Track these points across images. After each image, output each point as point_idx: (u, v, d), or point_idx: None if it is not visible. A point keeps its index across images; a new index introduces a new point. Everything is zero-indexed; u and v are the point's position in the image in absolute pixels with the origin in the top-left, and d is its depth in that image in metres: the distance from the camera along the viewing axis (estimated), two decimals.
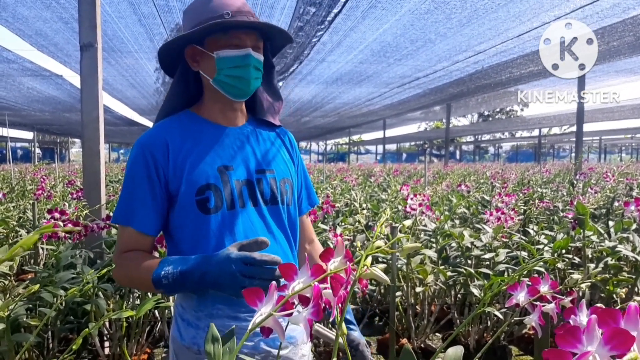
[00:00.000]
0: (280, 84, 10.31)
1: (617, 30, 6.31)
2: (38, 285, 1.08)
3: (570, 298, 0.97)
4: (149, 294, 2.17)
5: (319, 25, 6.03)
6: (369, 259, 0.75)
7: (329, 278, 0.69)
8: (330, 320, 0.70)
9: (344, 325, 0.71)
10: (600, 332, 0.43)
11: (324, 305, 0.67)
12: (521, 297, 1.00)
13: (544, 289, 0.99)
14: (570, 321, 0.73)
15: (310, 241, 1.37)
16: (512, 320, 1.72)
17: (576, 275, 1.07)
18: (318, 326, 1.20)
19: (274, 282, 0.67)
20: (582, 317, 0.75)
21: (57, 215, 2.19)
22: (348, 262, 0.72)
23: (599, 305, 0.91)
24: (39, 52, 7.64)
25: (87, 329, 0.98)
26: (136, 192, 1.12)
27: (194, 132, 1.16)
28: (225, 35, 1.12)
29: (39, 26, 6.36)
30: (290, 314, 0.66)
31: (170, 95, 1.23)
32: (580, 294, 2.69)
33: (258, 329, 1.14)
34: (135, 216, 1.11)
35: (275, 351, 1.12)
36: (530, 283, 1.00)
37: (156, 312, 2.35)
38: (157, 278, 1.02)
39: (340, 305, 0.70)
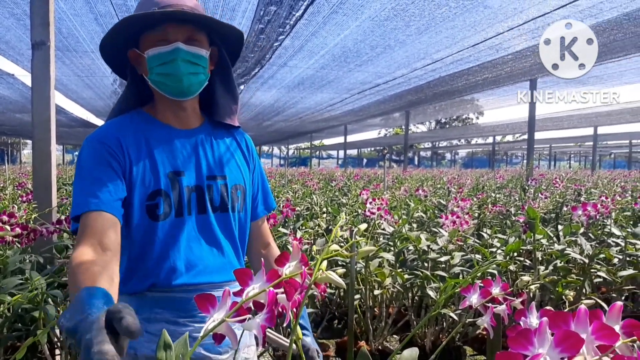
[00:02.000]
0: (242, 87, 10.23)
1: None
2: None
3: (520, 300, 1.01)
4: None
5: (281, 28, 6.04)
6: (325, 263, 0.76)
7: (283, 283, 0.69)
8: (285, 324, 0.70)
9: (299, 330, 0.72)
10: (551, 334, 0.44)
11: (280, 310, 0.68)
12: (474, 299, 1.03)
13: (495, 291, 1.02)
14: (521, 323, 0.75)
15: (265, 245, 1.34)
16: (466, 322, 1.76)
17: (526, 278, 1.12)
18: (269, 332, 1.19)
19: (227, 288, 0.66)
20: (533, 319, 0.77)
21: (5, 218, 2.10)
22: (303, 267, 0.73)
23: (548, 307, 0.96)
24: None
25: (32, 337, 0.95)
26: (91, 177, 1.02)
27: (144, 133, 1.12)
28: (154, 31, 1.07)
29: None
30: (244, 320, 0.66)
31: (123, 96, 1.19)
32: (531, 295, 2.79)
33: (196, 334, 1.13)
34: (93, 198, 0.98)
35: (214, 356, 1.10)
36: (483, 285, 1.04)
37: None
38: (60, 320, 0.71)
39: (294, 309, 0.71)
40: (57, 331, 2.21)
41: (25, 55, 7.41)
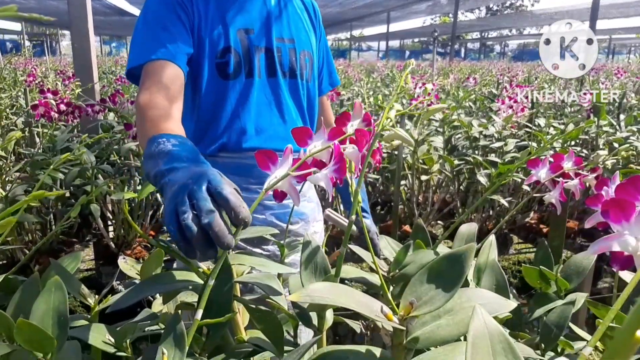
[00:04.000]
0: None
1: None
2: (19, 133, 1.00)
3: (595, 174, 0.91)
4: None
5: None
6: (393, 112, 0.66)
7: (353, 134, 0.61)
8: (355, 178, 0.63)
9: (360, 200, 0.64)
10: None
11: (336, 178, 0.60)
12: (542, 173, 0.94)
13: (567, 165, 0.92)
14: (602, 192, 0.67)
15: (329, 125, 1.28)
16: (519, 208, 1.69)
17: (602, 152, 1.00)
18: (329, 210, 1.15)
19: (290, 145, 0.59)
20: (615, 188, 0.69)
21: (49, 95, 2.08)
22: (368, 125, 0.64)
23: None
24: None
25: (84, 197, 0.92)
26: (159, 24, 0.95)
27: None
28: None
29: None
30: (309, 174, 0.59)
31: None
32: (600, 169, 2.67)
33: (268, 202, 1.10)
34: (161, 47, 0.92)
35: (284, 225, 1.08)
36: (552, 160, 0.94)
37: (158, 196, 2.33)
38: (151, 141, 0.72)
39: (360, 167, 0.63)
40: (110, 206, 2.28)
41: None
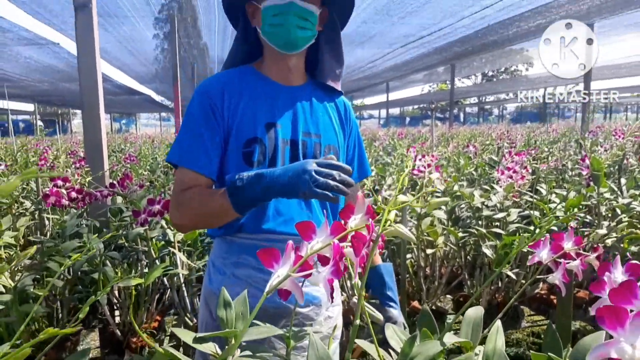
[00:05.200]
0: None
1: None
2: (35, 247, 1.03)
3: (596, 254, 0.93)
4: (157, 261, 2.14)
5: None
6: (392, 214, 0.69)
7: (349, 236, 0.63)
8: (353, 282, 0.65)
9: (363, 288, 0.66)
10: None
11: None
12: (544, 254, 0.95)
13: (567, 245, 0.94)
14: (605, 277, 0.68)
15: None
16: (529, 281, 1.68)
17: (601, 231, 1.02)
18: (367, 306, 1.15)
19: (291, 242, 0.62)
20: (617, 274, 0.70)
21: (60, 183, 2.14)
22: (370, 219, 0.67)
23: (634, 261, 0.86)
24: (35, 19, 7.46)
25: (93, 297, 0.94)
26: (194, 132, 1.11)
27: (249, 85, 1.17)
28: None
29: None
30: (309, 275, 0.61)
31: (232, 50, 1.26)
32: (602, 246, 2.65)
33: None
34: (193, 156, 1.10)
35: (298, 309, 1.11)
36: (553, 239, 0.95)
37: (165, 279, 2.33)
38: (231, 181, 1.01)
39: (362, 265, 0.65)
40: (116, 292, 2.28)
41: (69, 23, 7.55)
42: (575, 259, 0.94)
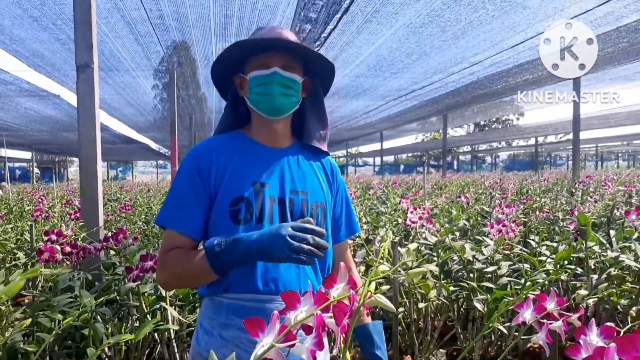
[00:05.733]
0: None
1: (612, 37, 6.36)
2: (30, 321, 1.06)
3: (577, 315, 0.96)
4: (148, 316, 2.14)
5: (315, 42, 6.06)
6: (373, 284, 0.73)
7: (332, 307, 0.67)
8: (334, 351, 0.68)
9: (348, 356, 0.69)
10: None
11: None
12: (528, 314, 0.98)
13: (550, 306, 0.97)
14: (581, 341, 0.71)
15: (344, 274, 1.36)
16: (520, 337, 1.69)
17: (583, 292, 1.06)
18: None
19: (276, 312, 0.65)
20: (593, 336, 0.73)
21: (54, 237, 2.17)
22: (351, 289, 0.70)
23: (608, 323, 0.89)
24: (36, 72, 7.66)
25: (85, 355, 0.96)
26: (180, 196, 1.19)
27: (238, 149, 1.25)
28: (256, 58, 1.22)
29: (36, 47, 6.39)
30: (293, 345, 0.64)
31: (223, 117, 1.34)
32: (584, 305, 2.66)
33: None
34: (178, 218, 1.17)
35: None
36: (537, 300, 0.98)
37: (155, 334, 2.32)
38: (210, 246, 1.07)
39: (344, 335, 0.68)
40: (107, 349, 2.25)
41: (69, 76, 7.74)
42: (558, 319, 0.97)
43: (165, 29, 5.82)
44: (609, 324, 0.85)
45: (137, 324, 2.25)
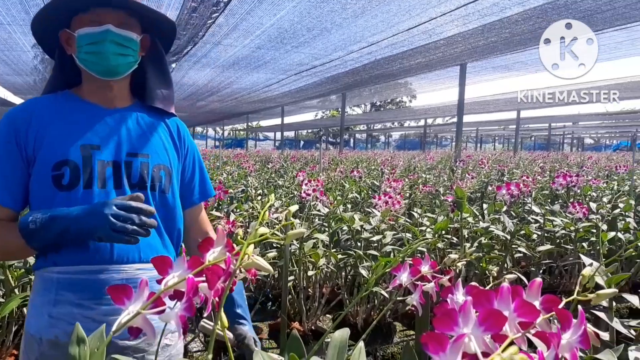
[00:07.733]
0: (174, 65, 9.82)
1: (495, 27, 6.87)
2: None
3: (447, 277, 1.03)
4: (16, 290, 1.96)
5: (214, 6, 5.82)
6: (251, 247, 0.72)
7: (205, 270, 0.65)
8: (205, 315, 0.67)
9: (224, 319, 0.68)
10: (475, 312, 0.45)
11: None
12: (404, 277, 1.04)
13: (424, 269, 1.04)
14: (448, 300, 0.77)
15: (203, 234, 1.31)
16: (396, 299, 1.82)
17: (454, 255, 1.14)
18: (204, 321, 1.15)
19: (144, 278, 0.62)
20: (459, 296, 0.79)
21: None
22: (228, 253, 0.69)
23: (473, 283, 0.98)
24: None
25: None
26: None
27: (63, 109, 1.14)
28: (86, 13, 1.11)
29: None
30: (162, 312, 0.61)
31: (51, 78, 1.22)
32: (457, 271, 2.91)
33: (98, 316, 1.06)
34: None
35: (122, 342, 1.04)
36: (412, 264, 1.05)
37: (24, 309, 2.13)
38: (24, 223, 1.00)
39: (217, 298, 0.67)
40: None
41: None
42: (431, 282, 1.04)
43: None
44: (473, 283, 0.93)
45: (2, 299, 2.06)
